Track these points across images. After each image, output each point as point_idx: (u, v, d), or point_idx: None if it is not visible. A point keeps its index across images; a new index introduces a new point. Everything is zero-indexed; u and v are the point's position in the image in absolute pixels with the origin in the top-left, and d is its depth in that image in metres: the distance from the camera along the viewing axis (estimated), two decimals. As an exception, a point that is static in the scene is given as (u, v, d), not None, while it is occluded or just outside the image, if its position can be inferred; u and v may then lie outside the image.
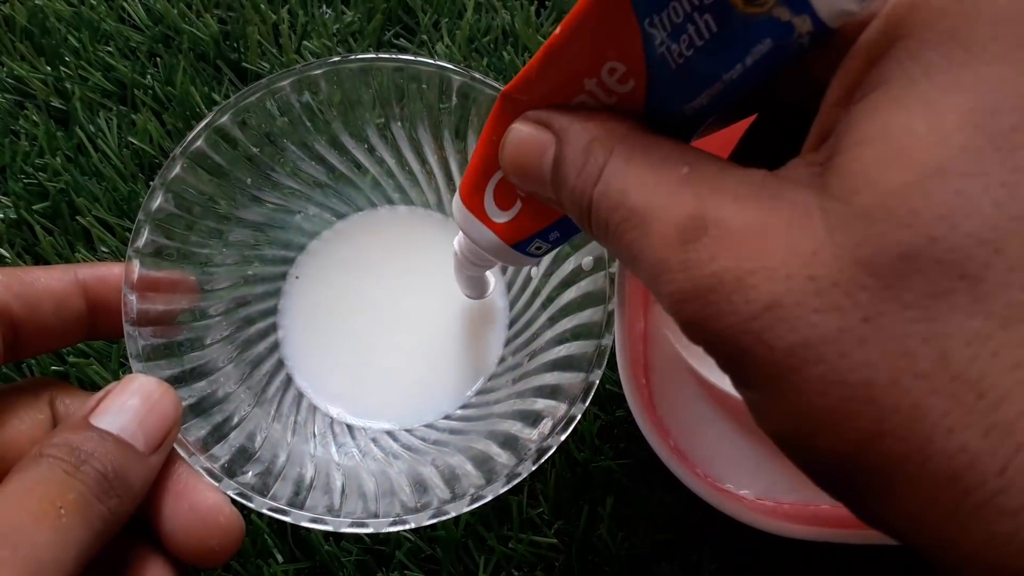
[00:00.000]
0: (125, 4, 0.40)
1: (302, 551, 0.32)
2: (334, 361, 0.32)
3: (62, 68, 0.38)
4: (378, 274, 0.33)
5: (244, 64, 0.38)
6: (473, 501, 0.25)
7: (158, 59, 0.39)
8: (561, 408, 0.26)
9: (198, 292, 0.29)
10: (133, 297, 0.26)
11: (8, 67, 0.38)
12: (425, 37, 0.39)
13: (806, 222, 0.13)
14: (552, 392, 0.28)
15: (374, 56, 0.29)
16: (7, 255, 0.35)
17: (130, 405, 0.22)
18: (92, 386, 0.33)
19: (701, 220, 0.14)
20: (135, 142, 0.37)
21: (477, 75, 0.28)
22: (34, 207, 0.36)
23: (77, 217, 0.36)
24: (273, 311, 0.33)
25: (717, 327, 0.14)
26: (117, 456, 0.20)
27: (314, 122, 0.30)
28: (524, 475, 0.25)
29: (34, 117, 0.37)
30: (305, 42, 0.39)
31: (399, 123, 0.31)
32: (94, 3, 0.40)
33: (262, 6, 0.39)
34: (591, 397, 0.26)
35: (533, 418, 0.27)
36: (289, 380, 0.32)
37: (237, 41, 0.39)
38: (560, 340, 0.29)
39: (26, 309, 0.23)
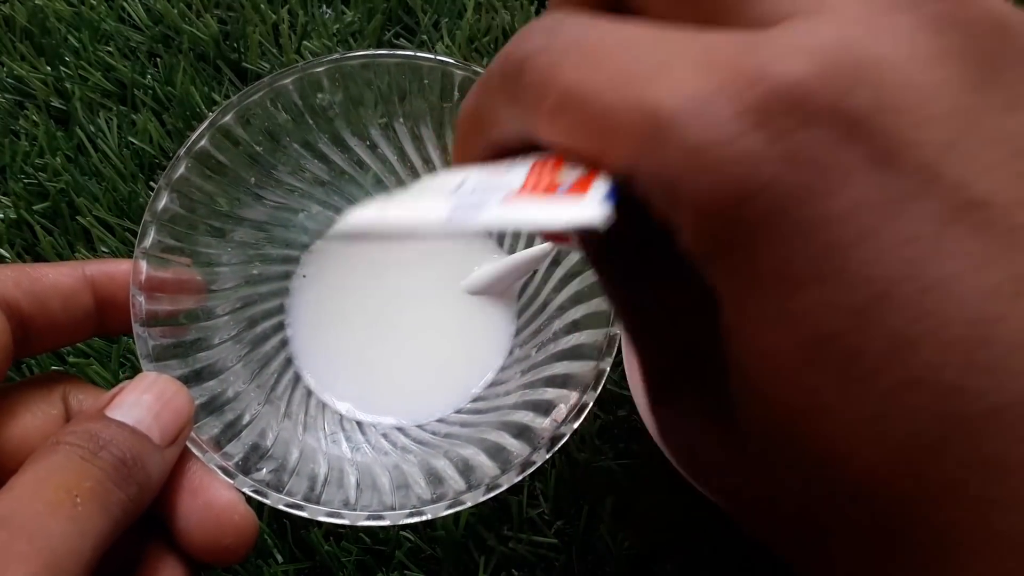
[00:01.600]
0: (125, 4, 0.40)
1: (302, 551, 0.32)
2: (341, 358, 0.32)
3: (62, 68, 0.38)
4: (383, 270, 0.33)
5: (244, 64, 0.38)
6: (489, 490, 0.25)
7: (158, 59, 0.39)
8: (573, 396, 0.26)
9: (205, 291, 0.29)
10: (142, 298, 0.26)
11: (8, 67, 0.38)
12: (425, 37, 0.39)
13: None
14: (563, 381, 0.28)
15: (376, 52, 0.29)
16: (7, 255, 0.35)
17: (144, 400, 0.22)
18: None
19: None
20: (135, 142, 0.37)
21: (479, 70, 0.29)
22: (34, 207, 0.36)
23: (77, 217, 0.36)
24: (279, 310, 0.33)
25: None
26: (135, 444, 0.20)
27: (317, 120, 0.30)
28: (539, 463, 0.25)
29: (34, 117, 0.37)
30: (305, 42, 0.39)
31: (402, 120, 0.31)
32: (94, 3, 0.40)
33: (262, 6, 0.39)
34: (603, 384, 0.26)
35: (545, 407, 0.27)
36: (297, 378, 0.32)
37: (237, 41, 0.39)
38: (569, 330, 0.29)
39: (35, 306, 0.23)
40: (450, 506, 0.25)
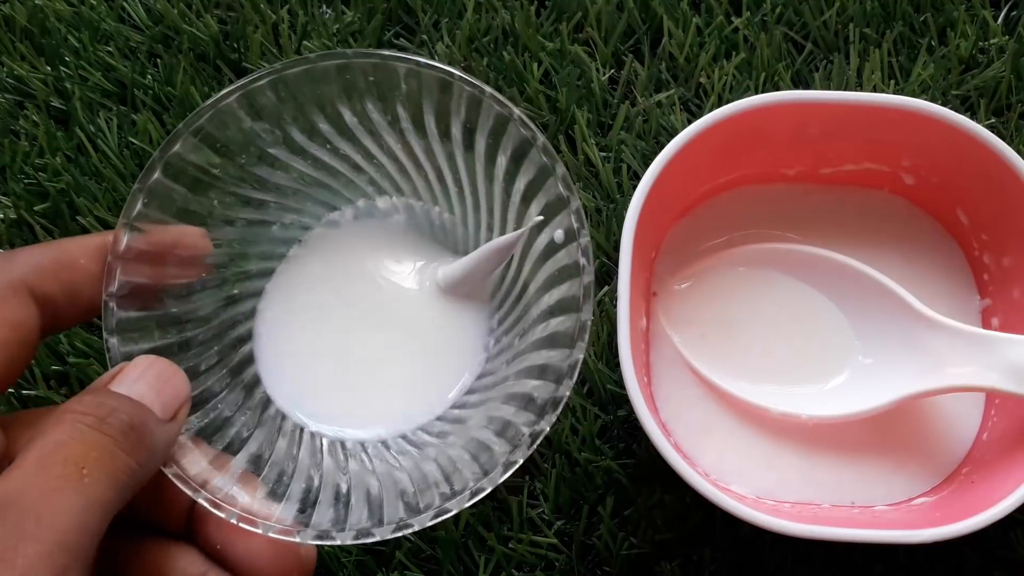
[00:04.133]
0: (125, 4, 0.40)
1: (302, 551, 0.32)
2: (317, 381, 0.31)
3: (62, 68, 0.38)
4: (347, 284, 0.32)
5: (244, 64, 0.38)
6: (473, 495, 0.25)
7: (158, 59, 0.39)
8: (549, 388, 0.26)
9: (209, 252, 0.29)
10: (115, 339, 0.26)
11: (8, 67, 0.38)
12: (425, 37, 0.39)
13: None
14: (540, 372, 0.28)
15: (323, 52, 0.28)
16: (7, 255, 0.35)
17: (146, 376, 0.23)
18: (92, 386, 0.33)
19: None
20: (135, 142, 0.37)
21: (457, 72, 0.28)
22: (34, 207, 0.36)
23: (77, 217, 0.36)
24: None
25: None
26: (140, 412, 0.21)
27: (269, 131, 0.30)
28: (520, 461, 0.25)
29: (34, 117, 0.37)
30: (305, 42, 0.39)
31: (357, 121, 0.31)
32: (94, 3, 0.40)
33: (262, 6, 0.39)
34: (576, 374, 0.26)
35: (526, 401, 0.27)
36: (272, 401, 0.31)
37: (237, 41, 0.39)
38: (544, 317, 0.29)
39: (68, 296, 0.24)
40: (436, 515, 0.25)
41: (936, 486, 0.31)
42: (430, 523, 0.24)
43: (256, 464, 0.27)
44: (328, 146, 0.32)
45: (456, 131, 0.30)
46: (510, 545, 0.32)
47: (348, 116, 0.31)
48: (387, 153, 0.32)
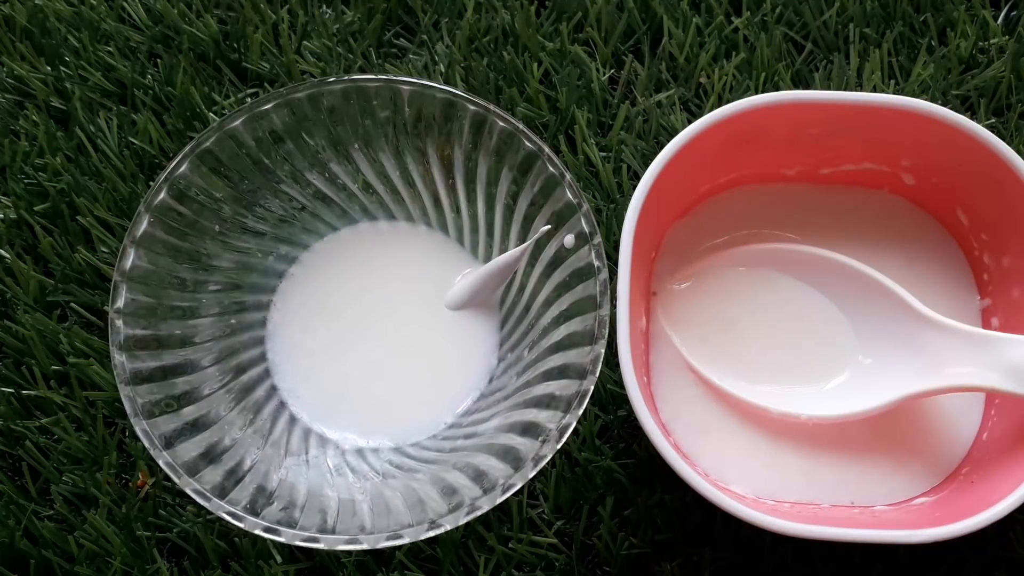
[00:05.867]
0: (125, 4, 0.40)
1: (302, 551, 0.32)
2: (332, 392, 0.32)
3: (62, 68, 0.38)
4: (361, 295, 0.33)
5: (244, 64, 0.38)
6: (505, 491, 0.25)
7: (158, 59, 0.39)
8: (573, 385, 0.26)
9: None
10: (123, 358, 0.26)
11: (8, 67, 0.38)
12: (425, 37, 0.39)
13: None
14: (561, 372, 0.28)
15: (322, 79, 0.29)
16: (7, 255, 0.35)
17: None
18: (92, 386, 0.33)
19: None
20: (135, 142, 0.37)
21: (459, 92, 0.28)
22: (34, 207, 0.36)
23: (77, 217, 0.36)
24: (264, 357, 0.32)
25: None
26: None
27: (273, 158, 0.30)
28: (550, 456, 0.25)
29: (34, 117, 0.37)
30: (305, 42, 0.39)
31: (357, 147, 0.31)
32: (94, 3, 0.40)
33: (262, 6, 0.39)
34: (599, 368, 0.26)
35: (547, 401, 0.27)
36: (293, 418, 0.32)
37: (237, 41, 0.39)
38: (558, 322, 0.29)
39: None
40: (468, 513, 0.25)
41: (936, 486, 0.31)
42: (463, 521, 0.25)
43: (267, 479, 0.28)
44: (326, 175, 0.32)
45: (459, 151, 0.30)
46: (510, 545, 0.32)
47: (350, 145, 0.31)
48: (389, 188, 0.33)
